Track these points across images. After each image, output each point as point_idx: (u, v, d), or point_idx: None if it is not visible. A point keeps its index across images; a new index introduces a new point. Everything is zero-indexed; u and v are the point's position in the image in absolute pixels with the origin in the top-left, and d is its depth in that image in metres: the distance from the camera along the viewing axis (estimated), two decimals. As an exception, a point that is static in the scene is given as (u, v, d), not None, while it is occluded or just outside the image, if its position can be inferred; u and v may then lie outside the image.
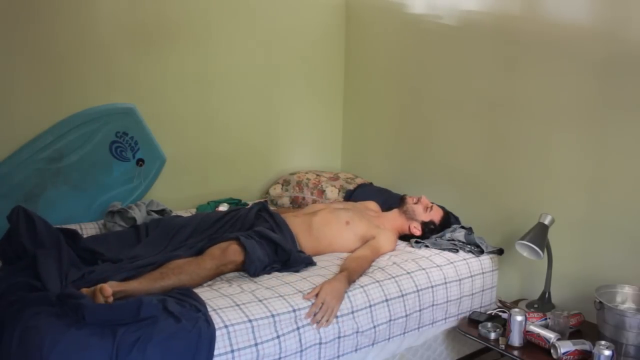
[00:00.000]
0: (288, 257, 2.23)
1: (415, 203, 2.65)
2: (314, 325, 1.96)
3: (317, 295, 2.01)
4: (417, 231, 2.62)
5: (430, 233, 2.64)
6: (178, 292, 1.92)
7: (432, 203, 2.70)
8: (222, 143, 3.14)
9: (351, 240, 2.48)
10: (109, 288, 1.79)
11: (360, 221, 2.53)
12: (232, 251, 2.13)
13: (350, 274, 2.16)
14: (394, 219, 2.66)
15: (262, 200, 3.06)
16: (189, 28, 2.91)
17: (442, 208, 2.73)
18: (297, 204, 3.13)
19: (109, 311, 1.70)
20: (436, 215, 2.66)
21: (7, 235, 2.07)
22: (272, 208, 3.11)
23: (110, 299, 1.77)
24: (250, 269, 2.13)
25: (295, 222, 2.46)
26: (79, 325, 1.67)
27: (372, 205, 2.85)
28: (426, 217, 2.64)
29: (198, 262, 2.10)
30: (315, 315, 1.96)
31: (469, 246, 2.54)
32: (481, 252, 2.51)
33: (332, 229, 2.48)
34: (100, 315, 1.68)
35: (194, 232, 2.37)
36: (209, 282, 2.11)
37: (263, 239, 2.23)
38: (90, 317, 1.66)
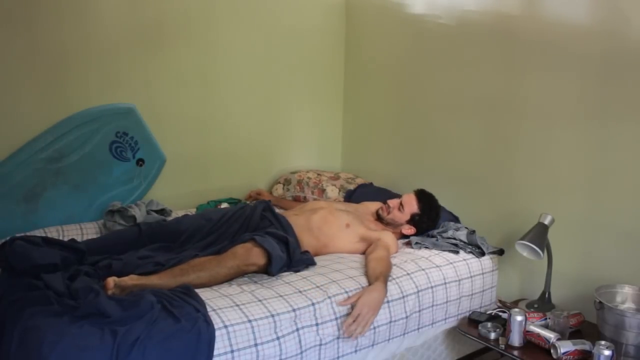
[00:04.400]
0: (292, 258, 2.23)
1: (389, 213, 2.62)
2: (349, 336, 1.97)
3: (354, 304, 2.00)
4: (411, 230, 2.62)
5: (424, 224, 2.61)
6: (180, 290, 1.93)
7: (399, 197, 2.67)
8: (223, 142, 3.14)
9: (352, 242, 2.48)
10: (112, 282, 1.90)
11: (360, 226, 2.52)
12: (256, 253, 2.10)
13: (385, 278, 2.14)
14: (386, 223, 2.65)
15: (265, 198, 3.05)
16: (189, 28, 2.91)
17: (414, 192, 2.67)
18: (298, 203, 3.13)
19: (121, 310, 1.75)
20: (410, 206, 2.60)
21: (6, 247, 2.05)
22: (272, 197, 3.11)
23: (110, 292, 1.87)
24: (275, 268, 2.11)
25: (297, 221, 2.44)
26: (78, 325, 1.67)
27: (376, 208, 2.77)
28: (406, 216, 2.60)
29: (219, 260, 2.09)
30: (350, 326, 1.97)
31: (470, 247, 2.53)
32: (482, 253, 2.51)
33: (332, 229, 2.48)
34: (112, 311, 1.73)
35: (200, 233, 2.35)
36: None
37: (277, 239, 2.22)
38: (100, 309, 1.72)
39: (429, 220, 2.63)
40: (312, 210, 2.57)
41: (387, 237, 2.48)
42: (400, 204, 2.61)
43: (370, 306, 2.01)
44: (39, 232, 2.44)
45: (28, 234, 2.34)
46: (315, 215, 2.51)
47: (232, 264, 2.08)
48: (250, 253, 2.10)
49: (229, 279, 2.10)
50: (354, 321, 1.97)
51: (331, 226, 2.48)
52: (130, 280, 1.94)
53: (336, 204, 2.70)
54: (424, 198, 2.64)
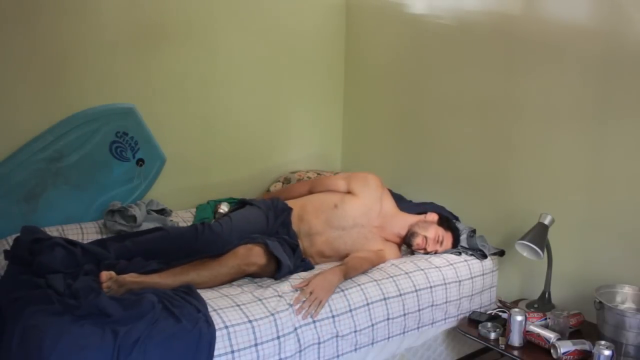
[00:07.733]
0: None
1: (421, 249, 2.47)
2: (300, 315, 1.95)
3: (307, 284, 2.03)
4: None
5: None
6: (181, 290, 1.93)
7: (443, 236, 2.47)
8: (223, 142, 3.14)
9: None
10: (105, 276, 1.88)
11: (362, 248, 2.43)
12: (257, 252, 2.10)
13: (348, 269, 2.16)
14: (398, 238, 2.52)
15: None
16: (189, 28, 2.90)
17: (452, 232, 2.53)
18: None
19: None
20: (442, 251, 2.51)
21: (20, 244, 2.06)
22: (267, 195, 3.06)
23: (104, 285, 1.86)
24: (280, 276, 2.12)
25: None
26: (79, 324, 1.67)
27: (374, 183, 2.56)
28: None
29: (220, 259, 2.10)
30: (302, 303, 1.97)
31: (471, 251, 2.53)
32: (484, 256, 2.51)
33: (332, 262, 2.41)
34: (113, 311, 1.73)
35: None
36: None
37: (286, 246, 2.24)
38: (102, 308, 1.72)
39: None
40: (308, 235, 2.44)
41: (388, 250, 2.45)
42: (437, 248, 2.48)
43: (322, 286, 2.02)
44: (39, 232, 2.44)
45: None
46: (312, 248, 2.42)
47: (232, 263, 2.08)
48: (250, 252, 2.10)
49: (230, 278, 2.11)
50: (306, 299, 1.97)
51: (329, 260, 2.42)
52: (130, 277, 1.94)
53: (330, 216, 2.46)
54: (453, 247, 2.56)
